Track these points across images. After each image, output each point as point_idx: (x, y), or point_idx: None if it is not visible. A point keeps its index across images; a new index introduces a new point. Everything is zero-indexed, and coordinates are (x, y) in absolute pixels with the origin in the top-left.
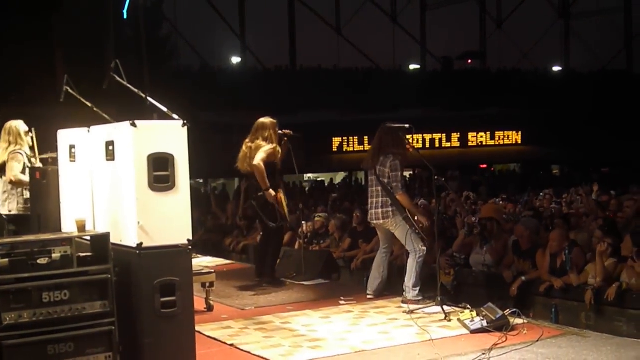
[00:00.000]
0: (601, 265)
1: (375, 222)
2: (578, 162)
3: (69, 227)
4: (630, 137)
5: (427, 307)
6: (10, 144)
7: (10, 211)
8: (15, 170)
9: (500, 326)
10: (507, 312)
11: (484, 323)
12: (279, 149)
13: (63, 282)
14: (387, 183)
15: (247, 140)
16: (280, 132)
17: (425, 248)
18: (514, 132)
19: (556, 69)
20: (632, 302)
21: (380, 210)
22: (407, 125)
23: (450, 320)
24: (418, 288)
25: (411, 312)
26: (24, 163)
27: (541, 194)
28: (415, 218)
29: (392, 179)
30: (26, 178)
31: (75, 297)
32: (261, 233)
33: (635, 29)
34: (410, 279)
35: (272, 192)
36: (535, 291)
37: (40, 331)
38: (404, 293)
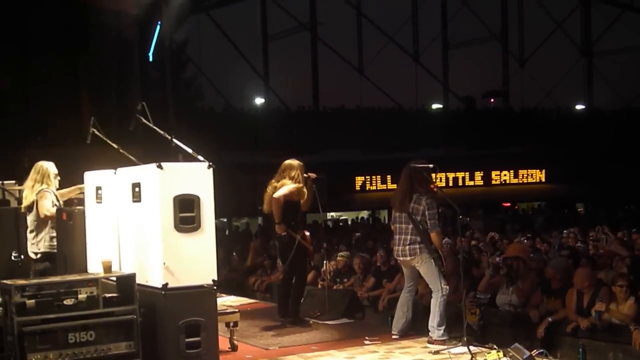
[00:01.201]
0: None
1: (402, 258)
2: (602, 200)
3: (94, 267)
4: None
5: (453, 347)
6: (36, 182)
7: (39, 249)
8: (47, 206)
9: None
10: (535, 352)
11: None
12: (305, 190)
13: (89, 322)
14: (420, 221)
15: (273, 181)
16: (305, 175)
17: (448, 287)
18: (538, 170)
19: (579, 107)
20: None
21: (407, 247)
22: (431, 165)
23: None
24: (443, 327)
25: (437, 352)
26: (52, 201)
27: (565, 231)
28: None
29: (429, 217)
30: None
31: (100, 337)
32: (283, 272)
33: None
34: (434, 318)
35: (282, 226)
36: (562, 331)
37: None
38: (429, 333)
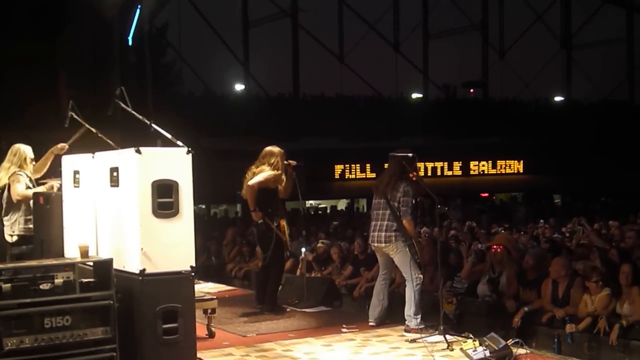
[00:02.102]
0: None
1: (376, 244)
2: (579, 191)
3: (71, 252)
4: (630, 167)
5: (430, 336)
6: (12, 164)
7: (13, 231)
8: (18, 189)
9: (502, 356)
10: (510, 342)
11: (487, 353)
12: (283, 177)
13: (65, 307)
14: (397, 207)
15: (253, 167)
16: (285, 162)
17: (421, 276)
18: (516, 161)
19: (558, 99)
20: (634, 334)
21: (383, 234)
22: (410, 154)
23: (452, 350)
24: (419, 316)
25: (413, 340)
26: (25, 184)
27: (542, 221)
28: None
29: (402, 203)
30: (30, 192)
31: (77, 322)
32: (262, 260)
33: (637, 60)
34: (410, 307)
35: (258, 213)
36: (537, 321)
37: (42, 357)
38: (406, 322)
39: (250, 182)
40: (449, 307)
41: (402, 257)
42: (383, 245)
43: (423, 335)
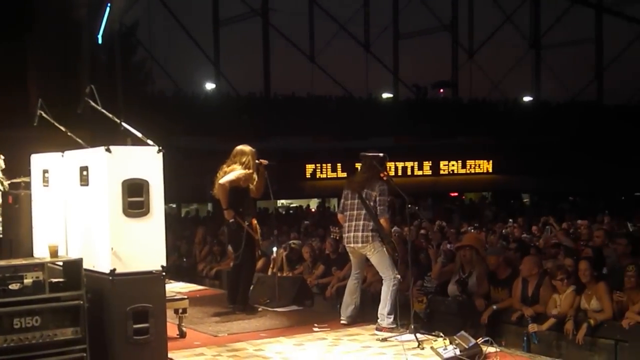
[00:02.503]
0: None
1: (352, 245)
2: (547, 191)
3: (41, 252)
4: (599, 168)
5: (401, 334)
6: None
7: None
8: None
9: (473, 355)
10: (480, 340)
11: (457, 351)
12: (255, 176)
13: (35, 308)
14: (373, 207)
15: (224, 166)
16: (257, 161)
17: (399, 276)
18: (485, 161)
19: (527, 99)
20: (603, 332)
21: (360, 234)
22: (381, 154)
23: (423, 348)
24: (392, 316)
25: (385, 339)
26: None
27: (510, 220)
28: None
29: (379, 203)
30: None
31: (46, 323)
32: (234, 259)
33: (606, 60)
34: (384, 306)
35: (230, 212)
36: (507, 320)
37: (11, 358)
38: (378, 320)
39: (222, 181)
40: (419, 306)
41: (380, 257)
42: (360, 245)
43: (394, 334)
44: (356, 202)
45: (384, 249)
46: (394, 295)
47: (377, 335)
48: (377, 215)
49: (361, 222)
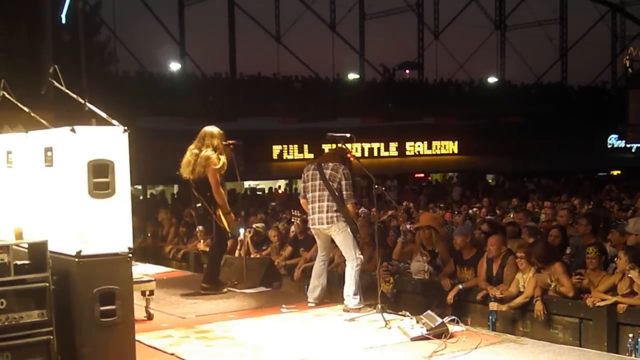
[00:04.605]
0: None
1: (318, 226)
2: (512, 172)
3: (5, 234)
4: (563, 147)
5: (368, 314)
6: None
7: None
8: None
9: (439, 333)
10: (446, 319)
11: (424, 330)
12: (224, 160)
13: (0, 290)
14: (337, 188)
15: (193, 147)
16: (224, 142)
17: (362, 257)
18: (450, 142)
19: (492, 80)
20: (567, 310)
21: (325, 215)
22: (347, 135)
23: (390, 328)
24: (358, 296)
25: (352, 319)
26: None
27: (478, 204)
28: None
29: (345, 187)
30: None
31: (12, 305)
32: (211, 239)
33: (570, 41)
34: (349, 287)
35: (233, 216)
36: (473, 299)
37: None
38: (345, 301)
39: (218, 166)
40: (386, 287)
41: (343, 237)
42: (325, 226)
43: (361, 314)
44: (317, 183)
45: (348, 229)
46: (358, 276)
47: (344, 315)
48: (344, 200)
49: (325, 204)
